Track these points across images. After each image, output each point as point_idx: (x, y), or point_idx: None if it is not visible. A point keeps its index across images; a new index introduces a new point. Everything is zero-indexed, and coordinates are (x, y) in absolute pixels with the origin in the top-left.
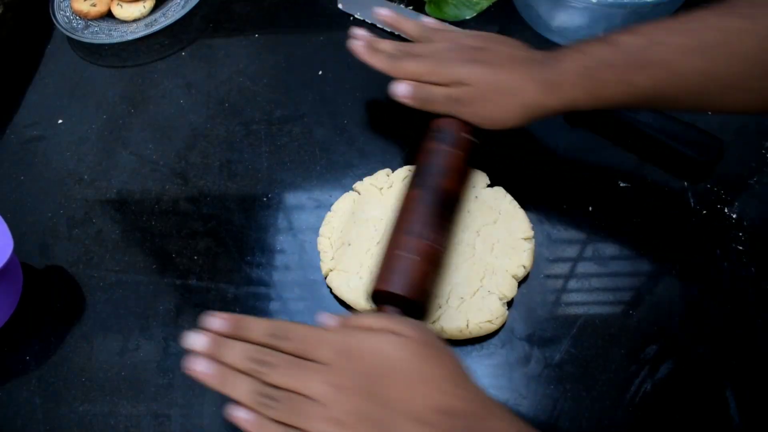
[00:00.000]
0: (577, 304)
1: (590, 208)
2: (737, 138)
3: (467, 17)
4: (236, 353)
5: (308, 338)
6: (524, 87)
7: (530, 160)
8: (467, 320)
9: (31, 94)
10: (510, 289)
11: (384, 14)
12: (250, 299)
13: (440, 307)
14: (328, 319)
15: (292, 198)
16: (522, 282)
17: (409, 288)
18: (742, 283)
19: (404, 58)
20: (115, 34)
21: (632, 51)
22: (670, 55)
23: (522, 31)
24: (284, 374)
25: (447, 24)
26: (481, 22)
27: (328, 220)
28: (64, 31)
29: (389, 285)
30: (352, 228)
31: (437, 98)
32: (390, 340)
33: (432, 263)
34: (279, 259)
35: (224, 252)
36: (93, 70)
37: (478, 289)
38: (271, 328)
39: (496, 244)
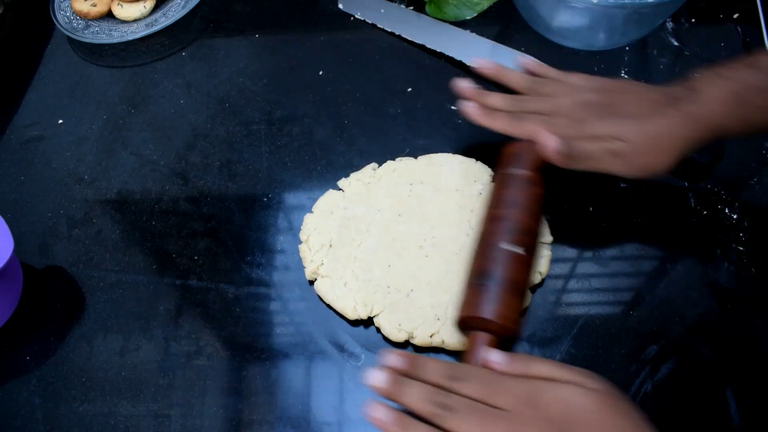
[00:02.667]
0: (577, 304)
1: (590, 208)
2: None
3: (467, 17)
4: (415, 394)
5: (489, 383)
6: (675, 128)
7: None
8: None
9: (31, 94)
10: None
11: (485, 66)
12: (250, 299)
13: (439, 319)
14: (497, 356)
15: (292, 198)
16: (534, 289)
17: (498, 314)
18: (742, 283)
19: (529, 118)
20: (115, 34)
21: None
22: None
23: (522, 32)
24: (465, 420)
25: (546, 66)
26: (482, 22)
27: (305, 222)
28: (65, 31)
29: (479, 311)
30: (334, 228)
31: (594, 154)
32: (576, 391)
33: (518, 289)
34: (279, 259)
35: (224, 252)
36: (93, 70)
37: None
38: (449, 369)
39: None
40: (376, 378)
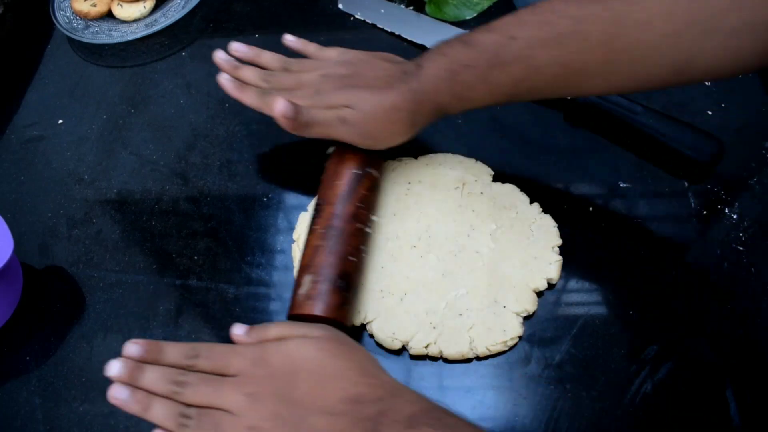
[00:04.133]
0: (577, 304)
1: (590, 209)
2: (737, 138)
3: (467, 17)
4: (153, 377)
5: (221, 354)
6: (400, 101)
7: (530, 160)
8: (471, 341)
9: (31, 94)
10: (532, 303)
11: (240, 50)
12: (250, 299)
13: (435, 328)
14: (239, 329)
15: (292, 198)
16: (540, 294)
17: (326, 307)
18: (742, 283)
19: (274, 93)
20: (115, 34)
21: (489, 50)
22: (525, 50)
23: None
24: (200, 392)
25: (306, 43)
26: (482, 22)
27: (299, 221)
28: (65, 31)
29: (306, 308)
30: None
31: (323, 121)
32: (298, 343)
33: (346, 279)
34: (279, 259)
35: (224, 252)
36: (93, 70)
37: (489, 305)
38: (185, 349)
39: (514, 252)
40: (113, 368)
